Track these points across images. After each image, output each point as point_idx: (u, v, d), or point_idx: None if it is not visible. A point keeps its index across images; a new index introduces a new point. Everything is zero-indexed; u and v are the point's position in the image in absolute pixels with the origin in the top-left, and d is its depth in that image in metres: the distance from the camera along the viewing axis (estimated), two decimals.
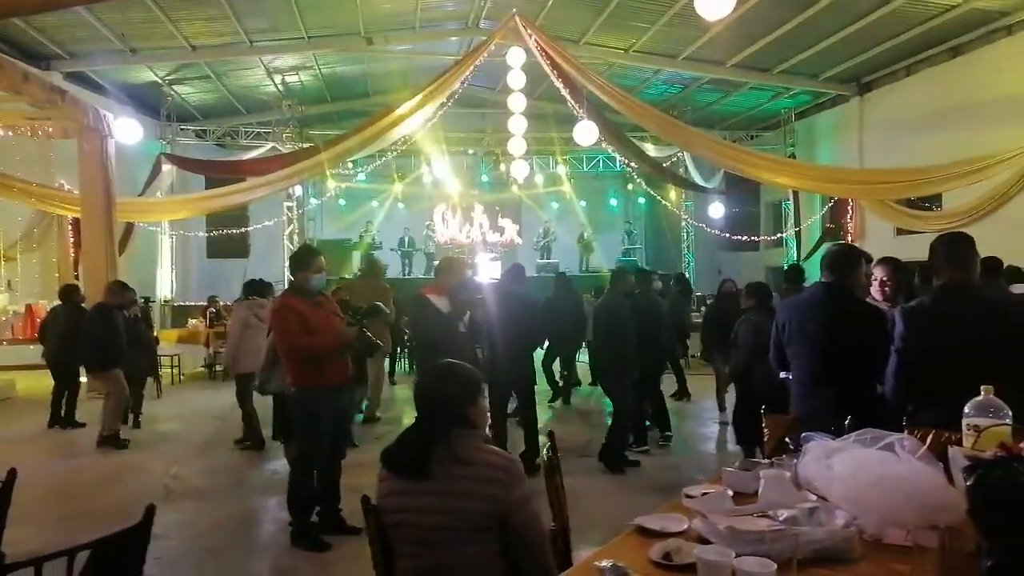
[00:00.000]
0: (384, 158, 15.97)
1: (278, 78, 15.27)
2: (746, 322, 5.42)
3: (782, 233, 17.60)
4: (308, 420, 4.40)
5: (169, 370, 11.41)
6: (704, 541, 1.85)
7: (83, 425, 7.98)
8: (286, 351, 4.36)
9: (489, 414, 5.85)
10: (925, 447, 2.05)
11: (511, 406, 6.55)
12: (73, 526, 4.79)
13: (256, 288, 7.46)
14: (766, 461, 2.50)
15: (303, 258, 4.48)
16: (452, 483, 2.05)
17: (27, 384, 10.32)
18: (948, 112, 12.34)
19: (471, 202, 17.89)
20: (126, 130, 10.96)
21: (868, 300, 3.79)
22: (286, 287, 4.64)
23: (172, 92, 15.18)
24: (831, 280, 3.45)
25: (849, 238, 15.28)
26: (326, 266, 4.51)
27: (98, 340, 7.29)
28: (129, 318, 8.42)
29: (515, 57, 11.59)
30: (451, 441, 2.09)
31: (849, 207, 15.34)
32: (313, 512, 4.51)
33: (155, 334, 10.32)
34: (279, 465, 6.30)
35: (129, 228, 13.60)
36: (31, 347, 10.62)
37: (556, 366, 9.54)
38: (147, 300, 10.75)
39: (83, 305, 8.38)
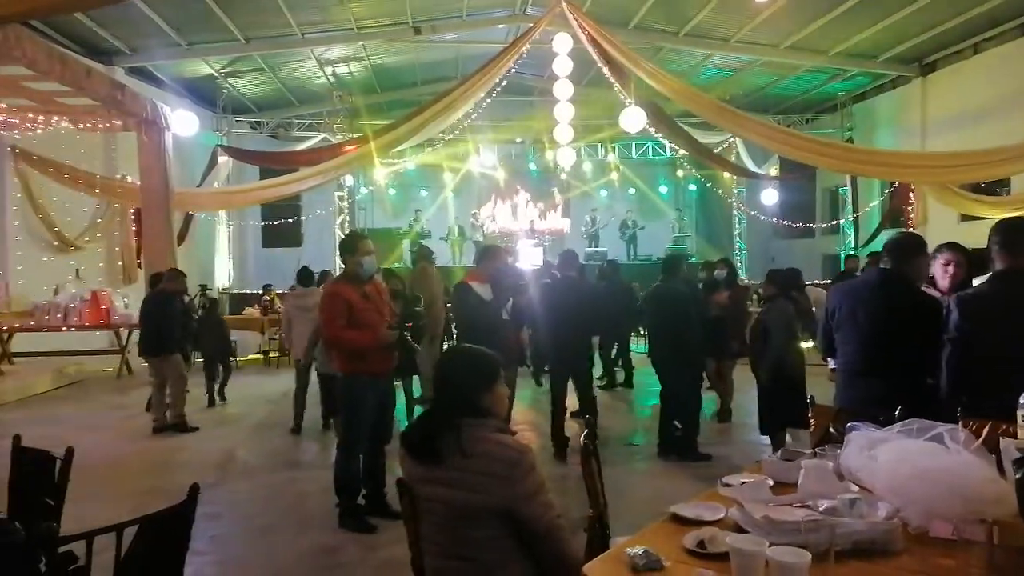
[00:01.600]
0: (433, 147, 16.09)
1: (329, 69, 15.50)
2: (775, 310, 5.32)
3: (839, 220, 17.08)
4: (352, 405, 4.50)
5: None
6: (740, 530, 1.82)
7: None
8: (330, 340, 4.44)
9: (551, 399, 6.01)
10: (979, 440, 1.98)
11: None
12: (133, 503, 4.99)
13: (300, 278, 7.67)
14: (809, 451, 2.44)
15: (351, 243, 4.57)
16: (458, 475, 2.06)
17: (93, 368, 10.79)
18: (1019, 92, 11.74)
19: (519, 190, 17.86)
20: (183, 123, 11.31)
21: (925, 289, 3.63)
22: (338, 273, 4.73)
23: (227, 85, 15.57)
24: (889, 266, 3.31)
25: (910, 225, 14.73)
26: (374, 248, 4.58)
27: (153, 326, 7.50)
28: (203, 304, 8.80)
29: (562, 43, 11.48)
30: (460, 430, 2.08)
31: (910, 193, 14.77)
32: (359, 495, 4.61)
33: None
34: (329, 448, 6.46)
35: (188, 218, 14.06)
36: (97, 333, 11.12)
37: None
38: (204, 288, 11.08)
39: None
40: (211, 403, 8.64)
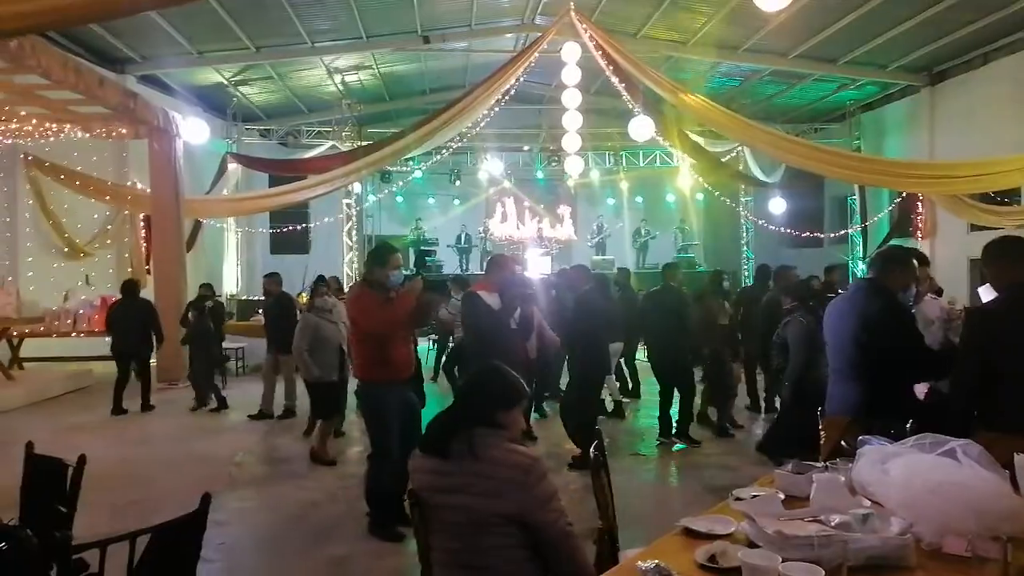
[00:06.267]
0: (440, 155, 16.16)
1: (338, 78, 15.59)
2: (794, 323, 5.23)
3: (847, 229, 17.03)
4: (377, 413, 4.50)
5: (233, 362, 11.81)
6: (752, 545, 1.82)
7: (153, 407, 8.74)
8: (369, 330, 4.37)
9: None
10: (992, 456, 1.97)
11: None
12: (140, 511, 5.01)
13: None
14: (820, 464, 2.43)
15: (380, 255, 4.53)
16: (471, 481, 2.11)
17: (102, 373, 10.82)
18: None
19: (526, 198, 17.91)
20: (194, 130, 11.41)
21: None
22: (359, 281, 4.73)
23: (237, 93, 15.67)
24: (871, 276, 3.41)
25: (919, 235, 14.68)
26: (402, 262, 4.57)
27: (286, 327, 7.94)
28: (196, 313, 8.90)
29: (570, 52, 11.52)
30: (472, 435, 2.15)
31: (919, 202, 14.72)
32: (390, 504, 4.52)
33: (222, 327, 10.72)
34: (339, 452, 6.48)
35: (197, 225, 14.14)
36: (106, 338, 11.16)
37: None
38: (213, 294, 11.13)
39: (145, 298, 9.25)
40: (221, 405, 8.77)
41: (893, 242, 14.50)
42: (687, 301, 7.14)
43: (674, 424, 6.87)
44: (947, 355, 3.36)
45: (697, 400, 7.26)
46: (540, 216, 17.22)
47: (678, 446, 6.73)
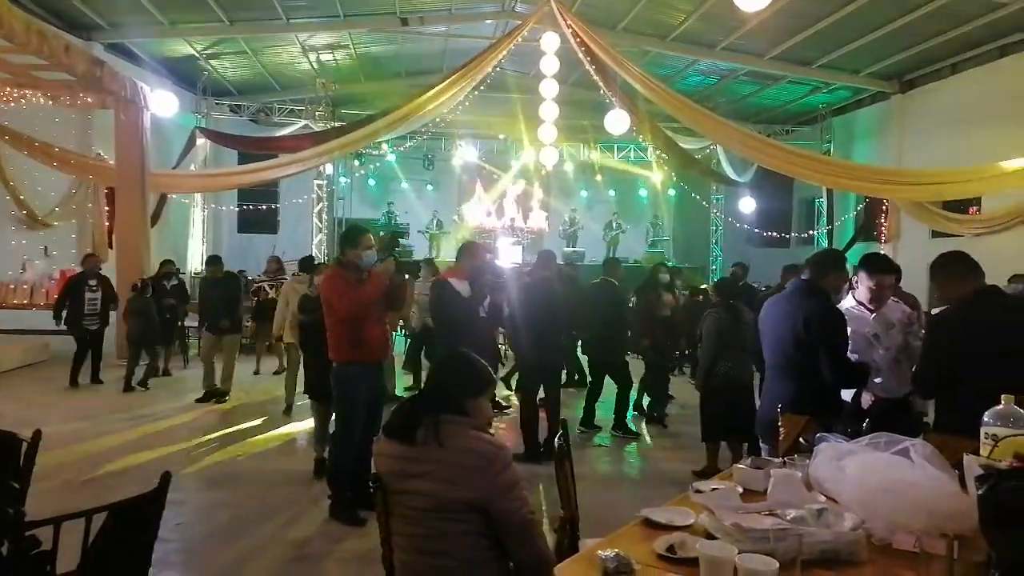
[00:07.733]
0: (415, 139, 16.02)
1: (313, 56, 15.34)
2: (710, 317, 5.44)
3: (814, 231, 17.32)
4: (347, 394, 4.46)
5: (196, 341, 11.62)
6: (710, 536, 1.85)
7: (101, 382, 8.79)
8: (342, 312, 4.33)
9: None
10: (942, 455, 2.02)
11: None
12: (96, 488, 4.93)
13: (303, 265, 7.72)
14: (778, 460, 2.48)
15: (352, 236, 4.53)
16: (435, 468, 2.11)
17: (59, 347, 10.56)
18: (994, 113, 11.98)
19: (499, 187, 17.86)
20: (162, 103, 11.13)
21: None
22: (334, 263, 4.69)
23: (208, 67, 15.33)
24: (807, 278, 3.49)
25: (883, 239, 14.99)
26: (374, 243, 4.55)
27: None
28: (134, 286, 8.79)
29: (549, 42, 11.50)
30: (439, 422, 2.15)
31: (884, 207, 15.03)
32: (355, 486, 4.51)
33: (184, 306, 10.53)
34: (299, 434, 6.44)
35: (162, 200, 13.84)
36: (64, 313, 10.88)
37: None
38: (177, 272, 10.92)
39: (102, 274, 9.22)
40: (127, 388, 8.51)
41: (857, 246, 14.80)
42: (623, 298, 7.17)
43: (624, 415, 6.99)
44: (863, 368, 3.45)
45: (634, 392, 7.31)
46: (513, 205, 17.15)
47: (601, 437, 6.85)
